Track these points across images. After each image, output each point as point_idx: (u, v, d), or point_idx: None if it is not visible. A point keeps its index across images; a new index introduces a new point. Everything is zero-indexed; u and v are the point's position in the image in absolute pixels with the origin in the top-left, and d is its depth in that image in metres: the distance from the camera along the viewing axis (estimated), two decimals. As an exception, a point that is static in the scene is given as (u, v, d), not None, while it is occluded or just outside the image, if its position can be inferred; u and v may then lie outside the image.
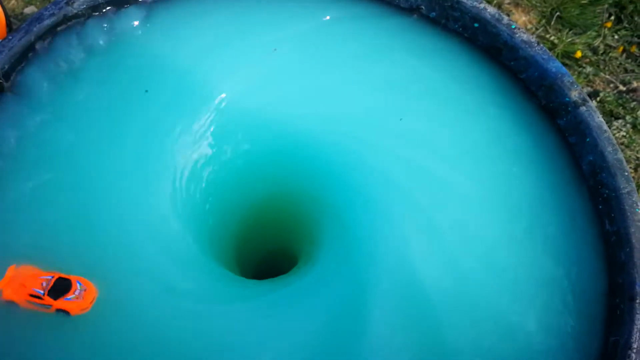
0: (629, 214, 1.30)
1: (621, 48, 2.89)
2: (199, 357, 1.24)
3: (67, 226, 1.35)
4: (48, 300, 1.20)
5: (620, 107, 2.69)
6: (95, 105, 1.50)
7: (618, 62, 2.87)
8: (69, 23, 1.57)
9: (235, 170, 1.67)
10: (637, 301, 1.19)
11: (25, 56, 1.50)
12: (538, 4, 2.94)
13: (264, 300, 1.40)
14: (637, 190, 1.38)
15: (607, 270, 1.32)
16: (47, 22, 1.51)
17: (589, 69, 2.81)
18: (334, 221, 1.55)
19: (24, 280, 1.22)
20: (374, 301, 1.31)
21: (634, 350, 1.15)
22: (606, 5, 2.97)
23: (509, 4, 2.92)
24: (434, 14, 1.67)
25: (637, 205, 1.30)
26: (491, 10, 1.59)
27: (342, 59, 1.63)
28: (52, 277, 1.22)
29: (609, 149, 1.38)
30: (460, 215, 1.42)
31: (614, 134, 2.55)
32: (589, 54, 2.84)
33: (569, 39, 2.83)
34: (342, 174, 1.53)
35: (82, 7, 1.56)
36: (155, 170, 1.48)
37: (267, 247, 2.14)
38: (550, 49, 2.65)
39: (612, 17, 2.98)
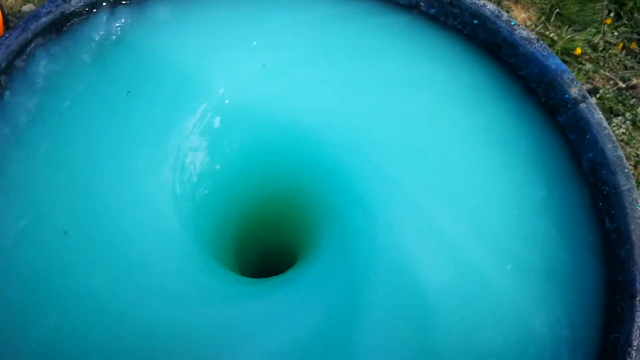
0: (629, 211, 1.29)
1: (621, 45, 2.89)
2: (195, 356, 1.24)
3: (57, 223, 1.35)
4: None
5: (620, 104, 2.69)
6: (92, 103, 1.50)
7: (618, 59, 2.87)
8: (66, 21, 1.56)
9: (233, 168, 1.66)
10: (638, 299, 1.19)
11: (22, 54, 1.49)
12: (537, 1, 2.94)
13: (262, 299, 1.40)
14: (637, 187, 1.37)
15: (607, 268, 1.32)
16: (44, 19, 1.50)
17: (588, 66, 2.81)
18: (333, 219, 1.54)
19: None
20: (373, 298, 1.31)
21: (634, 348, 1.15)
22: (606, 2, 2.97)
23: (508, 0, 2.91)
24: (433, 10, 1.66)
25: (637, 202, 1.30)
26: (491, 6, 1.58)
27: (341, 56, 1.63)
28: None
29: (609, 145, 1.37)
30: (459, 213, 1.41)
31: (613, 131, 2.55)
32: (589, 50, 2.84)
33: (569, 36, 2.82)
34: (341, 172, 1.53)
35: (80, 4, 1.56)
36: (151, 167, 1.48)
37: (266, 245, 2.14)
38: (549, 46, 2.65)
39: (612, 14, 2.98)
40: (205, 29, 1.64)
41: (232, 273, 1.57)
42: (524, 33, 1.54)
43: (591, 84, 2.74)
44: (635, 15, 2.92)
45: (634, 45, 2.83)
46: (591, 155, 1.41)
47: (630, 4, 2.92)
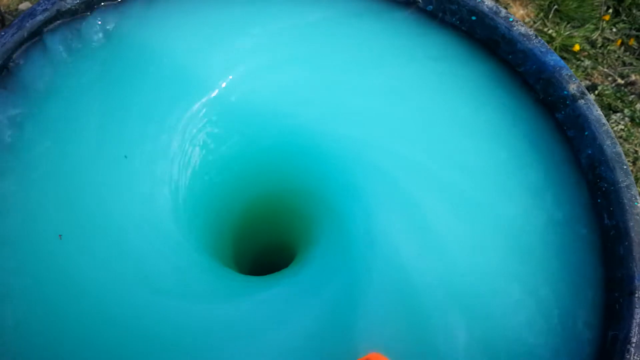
0: (627, 207, 1.29)
1: (619, 41, 2.89)
2: (192, 355, 1.24)
3: (53, 221, 1.35)
4: None
5: (619, 101, 2.69)
6: (89, 100, 1.49)
7: (616, 55, 2.86)
8: (62, 18, 1.55)
9: (231, 165, 1.66)
10: (637, 295, 1.19)
11: (17, 52, 1.48)
12: (536, -3, 2.94)
13: (261, 296, 1.40)
14: (636, 183, 1.37)
15: (605, 264, 1.31)
16: (40, 17, 1.50)
17: (587, 62, 2.80)
18: (331, 216, 1.54)
19: None
20: (371, 293, 1.31)
21: (633, 345, 1.15)
22: (604, -2, 2.97)
23: (506, -3, 2.91)
24: (430, 7, 1.66)
25: (636, 198, 1.30)
26: (489, 3, 1.58)
27: (338, 55, 1.62)
28: None
29: (608, 142, 1.37)
30: (456, 210, 1.41)
31: (612, 128, 2.54)
32: (587, 47, 2.84)
33: (567, 32, 2.82)
34: (339, 169, 1.53)
35: (76, 1, 1.55)
36: (149, 165, 1.48)
37: (264, 242, 2.14)
38: (548, 42, 2.64)
39: (610, 10, 2.97)
40: (203, 26, 1.64)
41: (230, 270, 1.57)
42: (522, 29, 1.54)
43: (590, 80, 2.74)
44: (634, 11, 2.91)
45: (632, 42, 2.83)
46: (590, 151, 1.41)
47: (629, 0, 2.92)
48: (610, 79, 2.70)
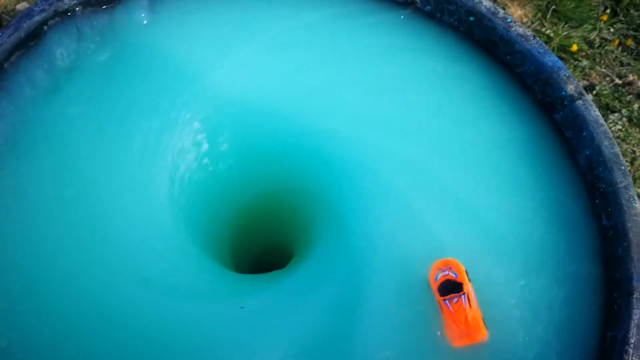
0: (625, 208, 1.29)
1: (617, 41, 2.89)
2: (194, 353, 1.24)
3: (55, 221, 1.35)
4: (434, 288, 1.25)
5: (616, 101, 2.69)
6: (88, 100, 1.49)
7: (614, 56, 2.87)
8: (59, 19, 1.55)
9: (230, 165, 1.66)
10: (635, 296, 1.19)
11: (14, 53, 1.48)
12: (534, -2, 2.94)
13: (259, 295, 1.40)
14: (634, 183, 1.37)
15: (604, 265, 1.32)
16: (37, 18, 1.49)
17: (584, 63, 2.80)
18: (329, 215, 1.54)
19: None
20: (369, 293, 1.31)
21: (631, 346, 1.15)
22: (602, -1, 2.97)
23: (504, -3, 2.91)
24: (429, 7, 1.65)
25: (634, 199, 1.30)
26: (487, 3, 1.58)
27: (337, 55, 1.62)
28: (455, 275, 1.24)
29: (606, 143, 1.37)
30: (455, 210, 1.41)
31: (610, 128, 2.55)
32: (585, 47, 2.84)
33: (565, 33, 2.82)
34: (337, 169, 1.53)
35: (73, 2, 1.55)
36: (149, 165, 1.48)
37: (262, 241, 2.14)
38: (546, 43, 2.64)
39: (608, 10, 2.97)
40: (204, 27, 1.63)
41: (228, 270, 1.57)
42: (520, 30, 1.54)
43: (587, 80, 2.74)
44: (631, 11, 2.91)
45: (630, 42, 2.83)
46: (588, 152, 1.41)
47: (627, 1, 2.91)
48: (608, 79, 2.70)
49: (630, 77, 2.78)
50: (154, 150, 1.49)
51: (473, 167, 1.48)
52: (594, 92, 2.70)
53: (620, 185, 1.32)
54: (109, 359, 1.22)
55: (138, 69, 1.55)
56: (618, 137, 2.59)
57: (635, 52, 2.89)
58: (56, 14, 1.53)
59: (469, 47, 1.63)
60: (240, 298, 1.40)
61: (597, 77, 2.79)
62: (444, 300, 1.23)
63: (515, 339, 1.26)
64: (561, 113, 1.48)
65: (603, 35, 2.90)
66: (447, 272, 1.25)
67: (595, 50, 2.85)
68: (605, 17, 2.92)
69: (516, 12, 2.88)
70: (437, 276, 1.26)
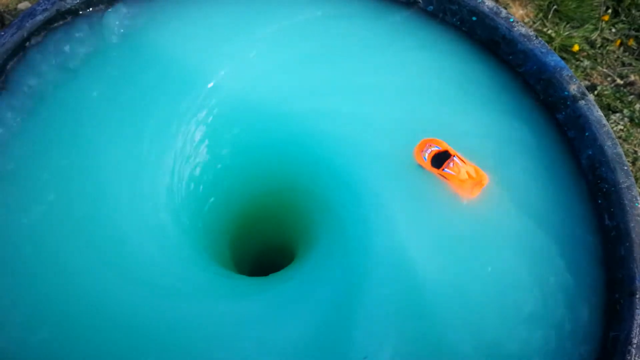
0: (628, 208, 1.29)
1: (618, 41, 2.88)
2: (194, 353, 1.24)
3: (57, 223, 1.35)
4: (429, 166, 1.42)
5: (618, 101, 2.69)
6: (89, 101, 1.49)
7: (615, 56, 2.86)
8: (62, 19, 1.55)
9: (231, 166, 1.66)
10: (637, 296, 1.19)
11: (17, 52, 1.48)
12: (535, -2, 2.94)
13: (259, 296, 1.40)
14: (636, 184, 1.37)
15: (606, 265, 1.32)
16: (40, 17, 1.49)
17: (586, 63, 2.80)
18: (329, 216, 1.54)
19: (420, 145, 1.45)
20: (368, 294, 1.31)
21: (634, 346, 1.15)
22: (603, -1, 2.97)
23: (506, -3, 2.91)
24: (431, 7, 1.65)
25: (637, 199, 1.30)
26: (489, 3, 1.58)
27: (338, 54, 1.62)
28: (437, 147, 1.42)
29: (609, 143, 1.37)
30: (453, 212, 1.41)
31: (611, 128, 2.55)
32: (587, 47, 2.84)
33: (567, 33, 2.82)
34: (336, 169, 1.53)
35: (76, 2, 1.54)
36: (149, 165, 1.47)
37: (263, 242, 2.13)
38: (547, 43, 2.64)
39: (610, 11, 2.97)
40: (208, 26, 1.63)
41: (229, 271, 1.56)
42: (523, 30, 1.54)
43: (589, 80, 2.73)
44: (633, 11, 2.91)
45: (631, 42, 2.82)
46: (590, 152, 1.41)
47: (628, 1, 2.91)
48: (609, 79, 2.70)
49: (632, 77, 2.78)
50: (154, 152, 1.49)
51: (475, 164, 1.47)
52: (596, 92, 2.70)
53: (622, 186, 1.32)
54: (109, 358, 1.22)
55: (137, 71, 1.55)
56: (620, 137, 2.59)
57: (636, 52, 2.89)
58: (59, 13, 1.53)
59: (471, 47, 1.63)
60: (240, 299, 1.40)
61: (599, 77, 2.79)
62: (443, 169, 1.39)
63: (517, 338, 1.26)
64: (563, 113, 1.48)
65: (604, 35, 2.90)
66: (430, 149, 1.41)
67: (596, 50, 2.85)
68: (606, 17, 2.91)
69: (518, 12, 2.88)
70: (424, 157, 1.41)
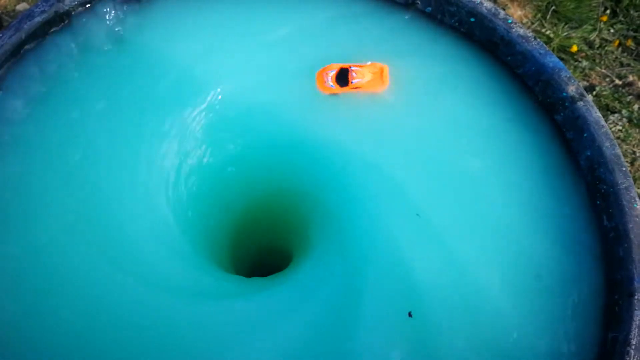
0: (627, 209, 1.29)
1: (617, 42, 2.89)
2: (193, 353, 1.24)
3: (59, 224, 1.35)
4: (340, 89, 1.49)
5: (617, 101, 2.70)
6: (87, 102, 1.49)
7: (614, 56, 2.87)
8: (60, 20, 1.55)
9: (230, 167, 1.66)
10: (636, 297, 1.19)
11: (15, 54, 1.48)
12: (534, -2, 2.94)
13: (259, 297, 1.40)
14: (634, 184, 1.37)
15: (605, 267, 1.32)
16: (38, 19, 1.49)
17: (584, 63, 2.81)
18: (328, 218, 1.54)
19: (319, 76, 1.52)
20: (367, 296, 1.31)
21: (633, 347, 1.15)
22: (602, -1, 2.98)
23: (504, -2, 2.91)
24: (429, 9, 1.65)
25: (635, 200, 1.30)
26: (487, 4, 1.58)
27: (337, 57, 1.62)
28: (333, 71, 1.50)
29: (607, 144, 1.37)
30: (453, 212, 1.41)
31: (610, 128, 2.55)
32: (585, 48, 2.84)
33: (565, 33, 2.82)
34: (335, 171, 1.53)
35: (74, 3, 1.54)
36: (150, 166, 1.48)
37: (262, 244, 2.13)
38: (546, 44, 2.64)
39: (608, 11, 2.98)
40: (203, 31, 1.63)
41: (228, 272, 1.57)
42: (521, 31, 1.54)
43: (587, 81, 2.74)
44: (631, 12, 2.91)
45: (630, 42, 2.83)
46: (589, 153, 1.41)
47: (627, 1, 2.92)
48: (608, 79, 2.71)
49: (630, 78, 2.78)
50: (154, 153, 1.49)
51: (473, 169, 1.47)
52: (594, 92, 2.70)
53: (621, 187, 1.32)
54: (108, 357, 1.22)
55: (136, 72, 1.55)
56: (618, 138, 2.60)
57: (635, 53, 2.89)
58: (57, 15, 1.53)
59: (469, 49, 1.63)
60: (239, 299, 1.40)
61: (597, 77, 2.79)
62: (352, 82, 1.49)
63: (514, 340, 1.26)
64: (562, 114, 1.48)
65: (603, 35, 2.90)
66: (329, 75, 1.50)
67: (595, 51, 2.86)
68: (605, 18, 2.92)
69: (516, 13, 2.88)
70: (330, 85, 1.50)
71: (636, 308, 1.18)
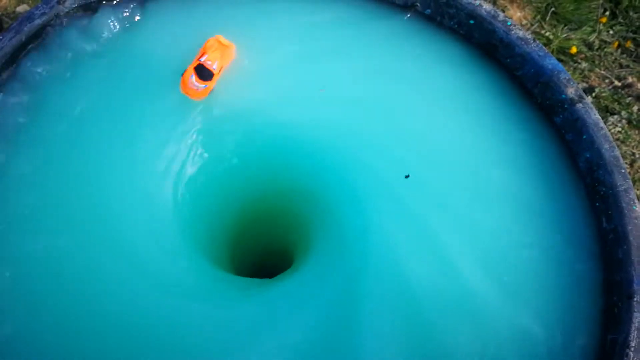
0: (626, 211, 1.29)
1: (616, 43, 2.89)
2: (193, 353, 1.24)
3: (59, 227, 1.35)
4: (210, 84, 1.47)
5: (616, 103, 2.70)
6: (88, 103, 1.49)
7: (613, 58, 2.87)
8: (60, 22, 1.55)
9: (230, 168, 1.66)
10: (635, 299, 1.19)
11: (16, 56, 1.48)
12: (533, 0, 2.94)
13: (259, 298, 1.40)
14: (633, 185, 1.37)
15: (604, 269, 1.32)
16: (38, 21, 1.49)
17: (584, 65, 2.81)
18: (328, 219, 1.54)
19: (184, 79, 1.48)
20: (367, 298, 1.31)
21: (632, 349, 1.15)
22: (601, 1, 2.97)
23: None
24: (429, 11, 1.66)
25: (634, 202, 1.30)
26: (487, 6, 1.58)
27: (337, 58, 1.62)
28: (192, 76, 1.46)
29: (606, 146, 1.37)
30: (452, 214, 1.41)
31: (609, 130, 2.55)
32: (584, 49, 2.84)
33: (564, 35, 2.83)
34: (335, 172, 1.53)
35: (74, 5, 1.55)
36: (149, 167, 1.48)
37: (262, 246, 2.13)
38: (545, 45, 2.65)
39: (607, 13, 2.98)
40: (201, 32, 1.63)
41: (229, 273, 1.56)
42: (520, 33, 1.54)
43: (587, 82, 2.74)
44: (631, 13, 2.92)
45: (629, 44, 2.83)
46: (588, 155, 1.41)
47: (626, 3, 2.92)
48: (607, 81, 2.71)
49: (630, 79, 2.78)
50: (155, 153, 1.49)
51: (472, 171, 1.47)
52: (593, 94, 2.70)
53: (620, 189, 1.32)
54: (108, 357, 1.23)
55: (135, 73, 1.56)
56: (617, 140, 2.60)
57: (634, 54, 2.90)
58: (57, 17, 1.53)
59: (468, 51, 1.63)
60: (240, 300, 1.40)
61: (597, 79, 2.79)
62: (213, 68, 1.47)
63: (513, 343, 1.26)
64: (561, 116, 1.49)
65: (602, 37, 2.90)
66: (192, 80, 1.46)
67: (594, 52, 2.86)
68: (604, 19, 2.92)
69: (515, 14, 2.89)
70: (203, 86, 1.46)
71: (635, 310, 1.18)
